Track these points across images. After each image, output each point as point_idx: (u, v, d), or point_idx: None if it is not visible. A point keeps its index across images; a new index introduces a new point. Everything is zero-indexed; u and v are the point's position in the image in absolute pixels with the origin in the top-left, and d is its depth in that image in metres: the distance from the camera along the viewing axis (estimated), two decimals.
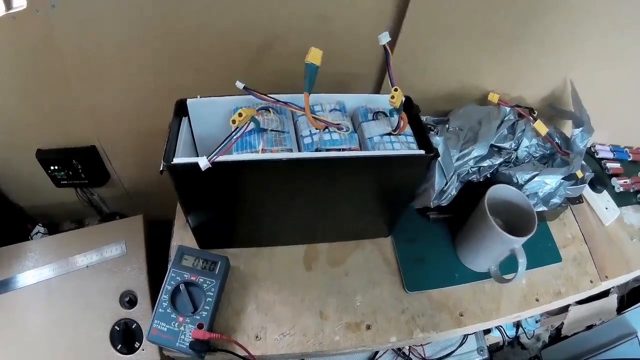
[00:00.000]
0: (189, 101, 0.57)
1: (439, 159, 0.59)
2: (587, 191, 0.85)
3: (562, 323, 1.11)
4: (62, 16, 0.57)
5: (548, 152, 0.74)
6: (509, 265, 0.65)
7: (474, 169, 0.66)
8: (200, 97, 0.57)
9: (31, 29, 0.59)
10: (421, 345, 0.84)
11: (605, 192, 0.87)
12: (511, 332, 1.10)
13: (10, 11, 0.57)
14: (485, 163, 0.67)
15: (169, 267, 0.63)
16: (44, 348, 0.69)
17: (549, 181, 0.68)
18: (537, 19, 0.66)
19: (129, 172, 0.87)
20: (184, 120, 0.57)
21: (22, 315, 0.72)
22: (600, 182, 0.87)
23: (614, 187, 0.89)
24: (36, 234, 0.92)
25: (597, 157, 0.93)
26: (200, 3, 0.58)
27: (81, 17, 0.58)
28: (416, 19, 0.61)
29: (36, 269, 0.76)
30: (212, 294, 0.60)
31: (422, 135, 0.55)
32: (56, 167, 0.82)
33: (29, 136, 0.77)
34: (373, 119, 0.56)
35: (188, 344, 0.57)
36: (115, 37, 0.61)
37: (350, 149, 0.52)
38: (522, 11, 0.64)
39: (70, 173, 0.82)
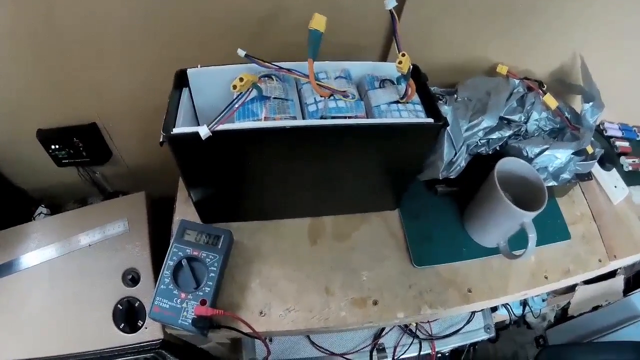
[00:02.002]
0: (189, 71, 0.55)
1: (448, 128, 0.58)
2: (596, 169, 0.83)
3: (569, 303, 1.10)
4: None
5: (558, 126, 0.72)
6: (518, 241, 0.64)
7: (483, 141, 0.65)
8: (201, 67, 0.55)
9: (31, 5, 0.57)
10: (428, 322, 0.83)
11: (614, 170, 0.85)
12: (518, 311, 1.09)
13: None
14: (495, 135, 0.65)
15: (171, 242, 0.61)
16: (48, 329, 0.69)
17: (560, 155, 0.67)
18: None
19: (131, 148, 0.86)
20: (185, 91, 0.55)
21: (26, 297, 0.71)
22: (609, 159, 0.85)
23: (622, 165, 0.88)
24: (39, 214, 0.92)
25: (605, 134, 0.92)
26: None
27: None
28: None
29: (39, 249, 0.75)
30: (215, 269, 0.59)
31: (430, 104, 0.54)
32: (57, 147, 0.80)
33: (29, 116, 0.76)
34: (380, 87, 0.55)
35: (191, 321, 0.56)
36: (116, 11, 0.59)
37: (356, 117, 0.51)
38: None
39: (72, 152, 0.81)
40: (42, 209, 0.92)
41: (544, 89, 0.72)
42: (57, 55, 0.65)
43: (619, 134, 0.93)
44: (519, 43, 0.73)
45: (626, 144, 0.91)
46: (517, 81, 0.71)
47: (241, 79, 0.46)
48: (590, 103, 0.71)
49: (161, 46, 0.65)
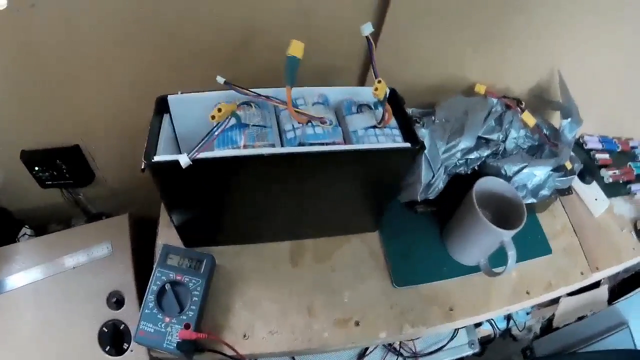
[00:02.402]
0: (169, 98, 0.55)
1: (425, 151, 0.59)
2: (576, 182, 0.85)
3: (554, 314, 1.11)
4: (42, 15, 0.56)
5: (536, 143, 0.73)
6: (498, 257, 0.64)
7: (461, 162, 0.65)
8: (182, 93, 0.56)
9: (10, 29, 0.57)
10: (411, 340, 0.83)
11: (594, 183, 0.87)
12: (502, 325, 1.10)
13: None
14: (473, 155, 0.66)
15: (154, 267, 0.62)
16: (32, 352, 0.68)
17: (538, 173, 0.68)
18: (520, 9, 0.65)
19: (114, 170, 0.86)
20: (166, 117, 0.56)
21: (10, 319, 0.70)
22: (589, 173, 0.86)
23: (603, 177, 0.89)
24: (23, 235, 0.91)
25: (585, 147, 0.93)
26: None
27: (60, 16, 0.57)
28: (399, 10, 0.60)
29: (23, 271, 0.74)
30: (198, 292, 0.59)
31: (407, 128, 0.55)
32: (41, 168, 0.80)
33: (13, 138, 0.76)
34: (357, 112, 0.55)
35: (175, 345, 0.56)
36: (94, 36, 0.60)
37: (334, 143, 0.51)
38: (504, 4, 0.63)
39: (55, 173, 0.81)
40: (25, 230, 0.91)
41: (522, 106, 0.73)
42: (38, 80, 0.65)
43: (599, 146, 0.95)
44: (496, 61, 0.74)
45: (606, 155, 0.93)
46: (495, 100, 0.72)
47: (219, 110, 0.46)
48: (569, 119, 0.72)
49: (139, 70, 0.65)
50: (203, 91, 0.56)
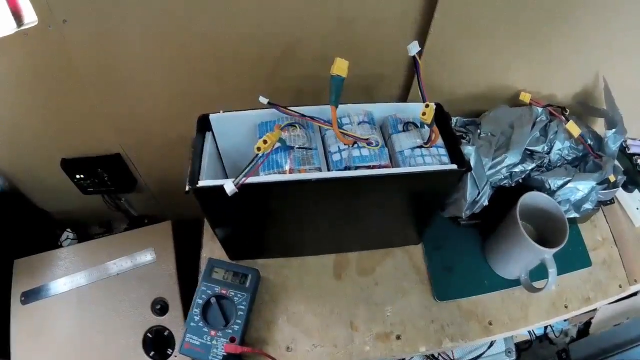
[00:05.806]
0: (211, 116, 0.56)
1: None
2: (618, 191, 0.82)
3: (590, 319, 1.10)
4: (75, 30, 0.57)
5: (580, 154, 0.71)
6: (539, 271, 0.64)
7: (505, 175, 0.65)
8: (223, 112, 0.56)
9: (45, 44, 0.58)
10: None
11: (636, 191, 0.84)
12: (539, 331, 1.10)
13: (22, 27, 0.57)
14: (518, 169, 0.65)
15: (199, 281, 0.63)
16: (76, 355, 0.71)
17: (582, 187, 0.66)
18: (564, 17, 0.63)
19: (155, 177, 0.87)
20: (208, 134, 0.56)
21: (54, 323, 0.73)
22: (631, 180, 0.84)
23: None
24: (65, 240, 0.94)
25: (628, 152, 0.90)
26: (218, 10, 0.56)
27: (95, 31, 0.57)
28: (443, 21, 0.58)
29: (67, 276, 0.77)
30: (243, 307, 0.61)
31: (453, 147, 0.53)
32: (82, 176, 0.82)
33: (52, 146, 0.78)
34: (403, 130, 0.55)
35: (221, 358, 0.58)
36: (131, 48, 0.60)
37: (380, 166, 0.51)
38: (549, 10, 0.61)
39: (96, 181, 0.83)
40: (68, 234, 0.93)
41: (567, 114, 0.71)
42: (74, 91, 0.66)
43: None
44: (540, 68, 0.71)
45: None
46: (540, 109, 0.70)
47: (265, 141, 0.45)
48: (613, 130, 0.70)
49: (178, 81, 0.66)
50: (244, 110, 0.56)
